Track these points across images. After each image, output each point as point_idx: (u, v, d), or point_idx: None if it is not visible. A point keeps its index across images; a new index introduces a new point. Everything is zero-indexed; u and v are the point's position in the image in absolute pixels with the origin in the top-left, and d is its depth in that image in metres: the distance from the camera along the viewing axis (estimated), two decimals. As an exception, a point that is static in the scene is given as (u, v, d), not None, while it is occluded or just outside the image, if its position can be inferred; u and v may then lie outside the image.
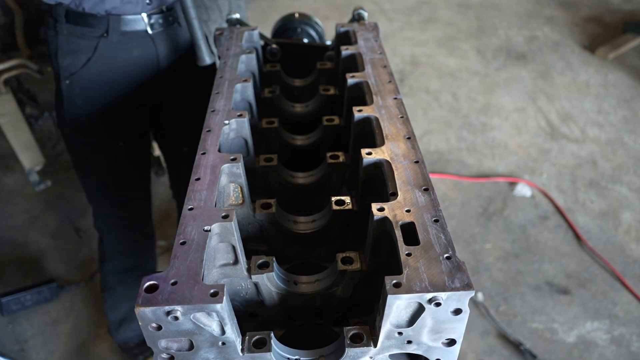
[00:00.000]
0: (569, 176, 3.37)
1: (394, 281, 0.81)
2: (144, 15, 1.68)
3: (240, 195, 1.15)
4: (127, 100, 1.79)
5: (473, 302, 2.60)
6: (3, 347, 2.47)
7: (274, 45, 1.84)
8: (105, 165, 1.91)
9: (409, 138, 1.16)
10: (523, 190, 3.25)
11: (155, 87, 1.85)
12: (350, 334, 0.90)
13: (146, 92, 1.83)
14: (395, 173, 1.05)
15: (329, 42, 2.02)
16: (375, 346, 0.88)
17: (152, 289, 0.81)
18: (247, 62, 1.58)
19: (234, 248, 0.96)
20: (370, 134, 1.23)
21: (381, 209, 0.96)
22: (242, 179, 1.12)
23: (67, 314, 2.61)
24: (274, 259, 1.02)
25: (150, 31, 1.71)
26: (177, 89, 1.92)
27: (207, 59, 1.72)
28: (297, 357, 0.93)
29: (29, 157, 3.19)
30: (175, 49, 1.83)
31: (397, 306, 0.82)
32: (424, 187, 1.01)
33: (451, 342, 0.89)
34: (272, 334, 0.90)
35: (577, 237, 2.95)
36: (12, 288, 2.64)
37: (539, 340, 2.46)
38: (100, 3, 1.60)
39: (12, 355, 2.43)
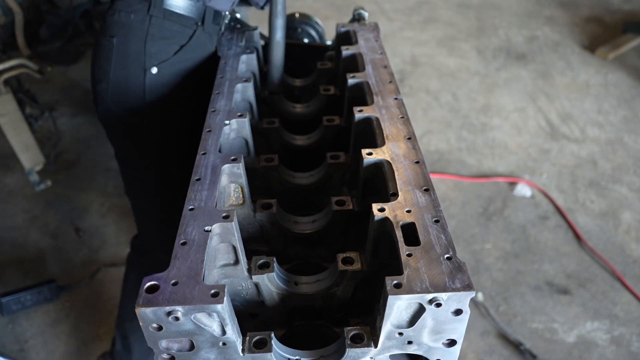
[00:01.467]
0: (569, 176, 3.37)
1: (395, 282, 0.81)
2: (227, 13, 1.65)
3: (241, 196, 1.15)
4: (199, 94, 1.69)
5: (473, 302, 2.60)
6: (3, 347, 2.47)
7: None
8: (170, 158, 1.77)
9: (409, 138, 1.16)
10: (523, 190, 3.25)
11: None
12: (351, 334, 0.90)
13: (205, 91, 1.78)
14: (396, 173, 1.05)
15: (329, 42, 2.02)
16: (375, 346, 0.88)
17: (152, 289, 0.81)
18: (248, 62, 1.58)
19: (234, 248, 0.96)
20: (370, 134, 1.23)
21: (382, 210, 0.96)
22: (243, 179, 1.12)
23: (67, 314, 2.61)
24: (275, 259, 1.02)
25: (222, 29, 1.68)
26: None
27: (271, 84, 1.65)
28: (297, 357, 0.93)
29: (29, 157, 3.19)
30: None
31: (398, 307, 0.82)
32: (424, 188, 1.01)
33: (452, 343, 0.89)
34: (272, 335, 0.90)
35: (577, 237, 2.95)
36: (12, 288, 2.64)
37: (539, 340, 2.46)
38: None
39: (12, 355, 2.43)
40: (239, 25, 1.82)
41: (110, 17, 1.58)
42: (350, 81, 1.39)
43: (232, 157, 1.10)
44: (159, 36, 1.55)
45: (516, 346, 2.42)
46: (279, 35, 1.59)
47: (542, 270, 2.78)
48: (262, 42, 1.80)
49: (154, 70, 1.56)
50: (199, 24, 1.59)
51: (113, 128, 1.73)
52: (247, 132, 1.28)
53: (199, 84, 1.68)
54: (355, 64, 1.52)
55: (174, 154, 1.76)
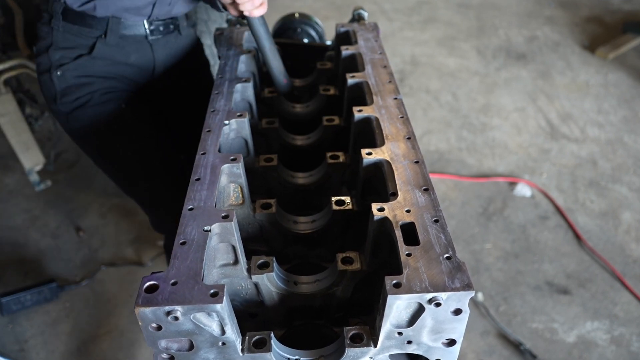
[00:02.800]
0: (569, 176, 3.37)
1: (394, 281, 0.81)
2: (145, 21, 1.65)
3: (240, 196, 1.15)
4: (123, 95, 1.75)
5: (473, 302, 2.60)
6: (3, 347, 2.47)
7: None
8: (139, 148, 1.80)
9: (409, 138, 1.16)
10: (523, 190, 3.25)
11: (151, 94, 1.82)
12: (350, 334, 0.90)
13: (142, 95, 1.81)
14: (396, 173, 1.05)
15: (329, 42, 2.02)
16: (375, 346, 0.88)
17: (152, 289, 0.81)
18: (247, 62, 1.58)
19: (234, 248, 0.96)
20: (370, 134, 1.23)
21: (381, 209, 0.96)
22: (242, 179, 1.12)
23: (67, 314, 2.61)
24: (274, 259, 1.02)
25: (149, 37, 1.68)
26: (172, 98, 1.88)
27: (283, 88, 1.62)
28: (297, 357, 0.93)
29: (29, 157, 3.19)
30: (173, 57, 1.79)
31: (397, 306, 0.82)
32: (424, 187, 1.01)
33: (451, 342, 0.89)
34: (272, 334, 0.90)
35: (577, 237, 2.95)
36: (12, 288, 2.64)
37: (539, 340, 2.46)
38: (108, 6, 1.56)
39: (12, 355, 2.43)
40: (238, 26, 1.82)
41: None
42: (350, 81, 1.39)
43: (232, 157, 1.10)
44: (62, 46, 1.63)
45: (516, 346, 2.42)
46: (267, 45, 1.54)
47: (542, 270, 2.78)
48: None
49: (59, 72, 1.64)
50: (102, 36, 1.62)
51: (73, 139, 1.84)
52: (246, 132, 1.28)
53: (124, 88, 1.74)
54: (354, 64, 1.52)
55: (122, 146, 1.78)
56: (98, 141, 1.76)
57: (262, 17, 1.49)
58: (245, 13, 1.46)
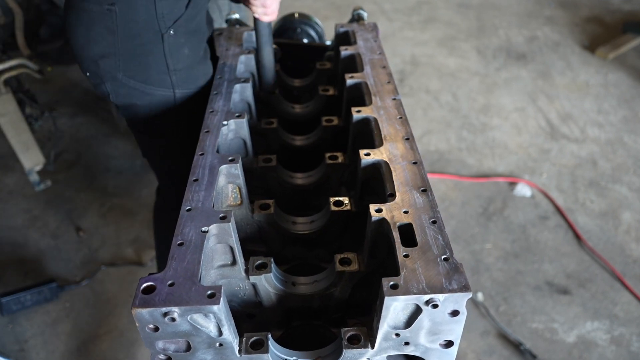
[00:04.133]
0: (569, 176, 3.37)
1: (391, 283, 0.81)
2: None
3: (239, 196, 1.15)
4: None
5: (473, 302, 2.60)
6: (3, 347, 2.47)
7: (274, 46, 1.84)
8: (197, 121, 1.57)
9: (407, 139, 1.16)
10: (523, 190, 3.24)
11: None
12: (348, 335, 0.90)
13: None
14: (394, 174, 1.05)
15: (328, 42, 2.02)
16: (372, 347, 0.88)
17: (149, 290, 0.81)
18: (246, 63, 1.58)
19: (231, 249, 0.96)
20: (369, 134, 1.23)
21: (379, 210, 0.96)
22: (241, 180, 1.12)
23: (67, 314, 2.62)
24: (272, 259, 1.02)
25: None
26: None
27: (270, 84, 1.63)
28: (294, 358, 0.93)
29: (29, 157, 3.19)
30: None
31: (395, 308, 0.82)
32: (422, 188, 1.01)
33: (449, 344, 0.89)
34: (269, 335, 0.90)
35: (577, 237, 2.95)
36: (12, 288, 2.64)
37: (539, 340, 2.46)
38: None
39: (12, 355, 2.44)
40: (238, 26, 1.82)
41: None
42: (349, 81, 1.39)
43: (230, 158, 1.10)
44: None
45: (516, 346, 2.42)
46: (266, 48, 1.57)
47: (542, 270, 2.78)
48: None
49: (171, 31, 1.41)
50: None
51: (132, 103, 1.56)
52: (245, 132, 1.28)
53: (208, 39, 1.58)
54: (354, 64, 1.52)
55: (200, 115, 1.57)
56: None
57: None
58: (256, 16, 1.50)
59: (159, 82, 1.49)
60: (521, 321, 2.54)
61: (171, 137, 1.68)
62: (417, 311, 0.82)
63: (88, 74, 1.52)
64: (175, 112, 1.57)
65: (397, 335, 0.86)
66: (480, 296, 2.64)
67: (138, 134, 1.75)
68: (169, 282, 0.82)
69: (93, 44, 1.43)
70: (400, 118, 1.24)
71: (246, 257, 1.02)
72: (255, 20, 1.53)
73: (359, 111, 1.25)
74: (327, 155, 1.31)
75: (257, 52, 1.60)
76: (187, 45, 1.47)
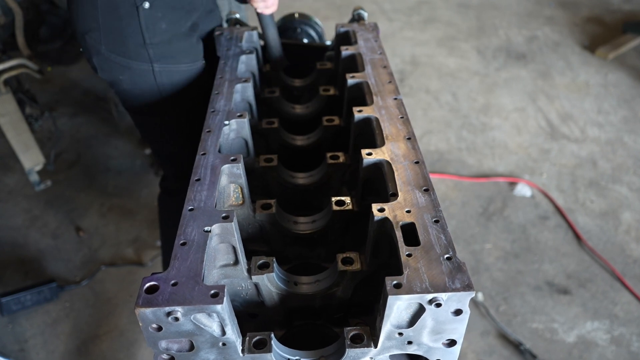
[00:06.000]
0: (569, 176, 3.37)
1: (395, 282, 0.81)
2: None
3: (241, 196, 1.15)
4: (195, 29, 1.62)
5: (473, 302, 2.60)
6: (3, 347, 2.47)
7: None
8: (188, 96, 1.67)
9: (409, 138, 1.16)
10: (523, 190, 3.24)
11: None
12: (351, 334, 0.90)
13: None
14: (396, 173, 1.05)
15: (328, 42, 2.02)
16: (375, 347, 0.88)
17: (152, 289, 0.81)
18: (247, 63, 1.58)
19: (234, 249, 0.96)
20: (370, 134, 1.23)
21: (381, 210, 0.96)
22: (242, 180, 1.12)
23: (67, 314, 2.61)
24: (274, 259, 1.02)
25: None
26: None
27: (277, 57, 1.77)
28: (297, 357, 0.93)
29: (29, 157, 3.19)
30: None
31: (398, 307, 0.82)
32: (424, 188, 1.01)
33: (452, 343, 0.89)
34: (272, 335, 0.90)
35: (577, 237, 2.95)
36: (12, 288, 2.64)
37: (539, 340, 2.46)
38: None
39: (12, 355, 2.43)
40: (238, 26, 1.82)
41: None
42: (350, 81, 1.39)
43: (232, 158, 1.10)
44: None
45: (516, 346, 2.42)
46: (271, 30, 1.73)
47: (542, 270, 2.78)
48: (261, 42, 1.81)
49: (146, 5, 1.46)
50: None
51: (116, 78, 1.61)
52: (246, 132, 1.28)
53: (199, 18, 1.61)
54: (354, 64, 1.52)
55: (195, 90, 1.65)
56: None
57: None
58: (258, 10, 1.66)
59: (137, 55, 1.54)
60: (521, 321, 2.54)
61: (162, 115, 1.72)
62: (421, 310, 0.82)
63: (81, 49, 1.60)
64: (157, 88, 1.62)
65: (400, 334, 0.86)
66: (480, 296, 2.64)
67: (132, 114, 1.82)
68: (172, 281, 0.82)
69: (81, 19, 1.52)
70: (402, 118, 1.24)
71: (248, 257, 1.02)
72: (259, 14, 1.70)
73: (360, 111, 1.25)
74: (329, 155, 1.31)
75: (262, 34, 1.76)
76: (165, 20, 1.51)
